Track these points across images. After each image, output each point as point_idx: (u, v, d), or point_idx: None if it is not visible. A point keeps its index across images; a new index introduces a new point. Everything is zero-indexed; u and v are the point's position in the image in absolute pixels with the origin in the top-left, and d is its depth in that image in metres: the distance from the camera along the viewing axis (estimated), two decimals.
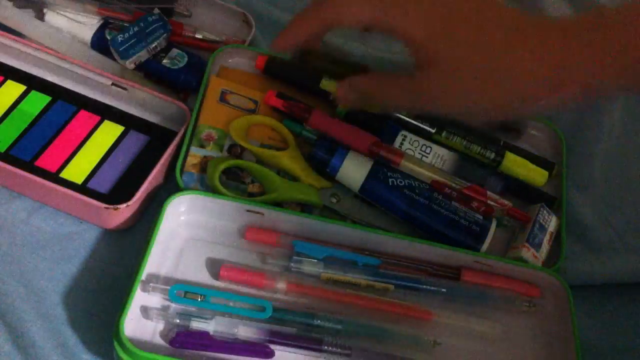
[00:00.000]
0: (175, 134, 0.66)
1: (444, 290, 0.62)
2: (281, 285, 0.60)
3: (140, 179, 0.62)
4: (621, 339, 0.65)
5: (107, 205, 0.60)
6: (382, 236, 0.63)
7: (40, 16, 0.73)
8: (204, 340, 0.55)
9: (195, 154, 0.66)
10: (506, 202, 0.66)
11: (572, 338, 0.59)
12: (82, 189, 0.63)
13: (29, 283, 0.59)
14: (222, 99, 0.69)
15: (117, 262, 0.62)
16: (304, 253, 0.62)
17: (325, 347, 0.56)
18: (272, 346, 0.56)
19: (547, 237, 0.66)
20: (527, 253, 0.64)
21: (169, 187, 0.65)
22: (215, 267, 0.60)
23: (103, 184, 0.64)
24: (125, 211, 0.61)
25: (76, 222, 0.63)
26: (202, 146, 0.66)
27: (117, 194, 0.63)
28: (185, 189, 0.62)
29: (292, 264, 0.61)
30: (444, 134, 0.69)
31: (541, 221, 0.66)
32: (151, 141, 0.68)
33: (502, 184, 0.67)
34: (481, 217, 0.65)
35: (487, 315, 0.62)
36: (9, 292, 0.58)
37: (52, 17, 0.73)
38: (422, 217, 0.65)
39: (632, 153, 0.78)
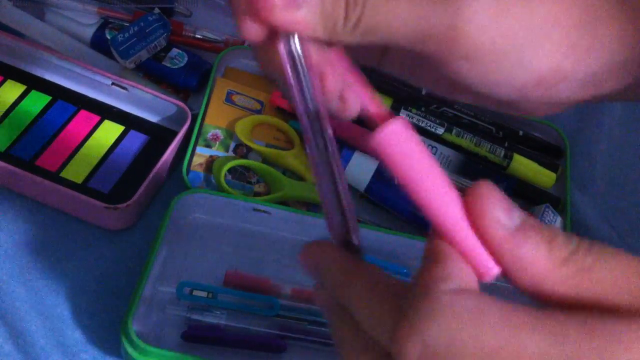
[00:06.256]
0: (175, 133, 0.65)
1: None
2: (286, 290, 0.59)
3: (141, 178, 0.62)
4: None
5: (107, 205, 0.59)
6: (388, 235, 0.63)
7: (40, 16, 0.73)
8: (218, 334, 0.55)
9: (202, 154, 0.66)
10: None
11: None
12: (82, 188, 0.63)
13: (28, 283, 0.58)
14: (228, 99, 0.70)
15: (117, 262, 0.61)
16: None
17: None
18: (284, 340, 0.56)
19: None
20: None
21: (170, 187, 0.65)
22: (221, 266, 0.60)
23: (103, 183, 0.64)
24: (125, 211, 0.60)
25: (76, 222, 0.63)
26: (208, 146, 0.66)
27: (117, 194, 0.63)
28: (191, 188, 0.62)
29: None
30: (454, 131, 0.69)
31: (546, 222, 0.66)
32: (151, 141, 0.67)
33: (506, 185, 0.67)
34: None
35: None
36: (9, 292, 0.58)
37: (52, 17, 0.73)
38: None
39: (632, 153, 0.78)
